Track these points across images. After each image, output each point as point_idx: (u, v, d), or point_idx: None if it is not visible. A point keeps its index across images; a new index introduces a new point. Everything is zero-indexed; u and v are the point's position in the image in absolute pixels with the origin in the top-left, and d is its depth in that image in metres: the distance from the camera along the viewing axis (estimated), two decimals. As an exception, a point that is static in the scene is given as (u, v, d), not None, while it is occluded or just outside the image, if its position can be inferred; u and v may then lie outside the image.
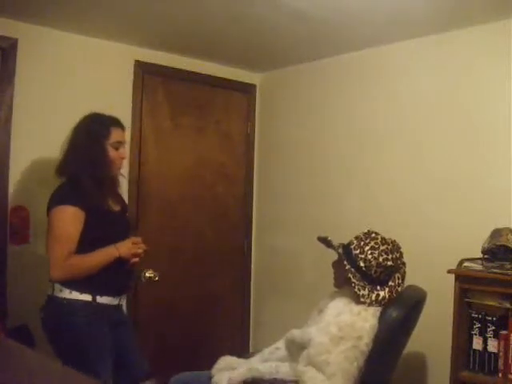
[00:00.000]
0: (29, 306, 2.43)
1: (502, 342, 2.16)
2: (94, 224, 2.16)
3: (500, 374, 2.16)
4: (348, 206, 3.12)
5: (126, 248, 2.20)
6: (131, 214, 3.00)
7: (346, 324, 2.03)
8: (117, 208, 2.34)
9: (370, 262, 2.12)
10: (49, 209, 2.17)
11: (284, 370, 2.17)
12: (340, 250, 2.21)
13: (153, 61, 3.20)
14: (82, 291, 2.13)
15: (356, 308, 2.09)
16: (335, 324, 2.04)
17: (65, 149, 2.25)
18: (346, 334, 2.01)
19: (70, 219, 2.12)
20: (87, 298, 2.14)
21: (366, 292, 2.11)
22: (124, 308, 2.40)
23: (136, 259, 2.26)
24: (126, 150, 2.36)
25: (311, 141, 3.36)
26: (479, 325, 2.24)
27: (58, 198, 2.16)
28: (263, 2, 2.41)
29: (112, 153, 2.26)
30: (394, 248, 2.18)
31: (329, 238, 2.26)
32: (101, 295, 2.16)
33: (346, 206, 3.14)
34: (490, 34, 2.53)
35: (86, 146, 2.21)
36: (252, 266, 3.69)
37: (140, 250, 2.25)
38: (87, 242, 2.14)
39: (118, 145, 2.29)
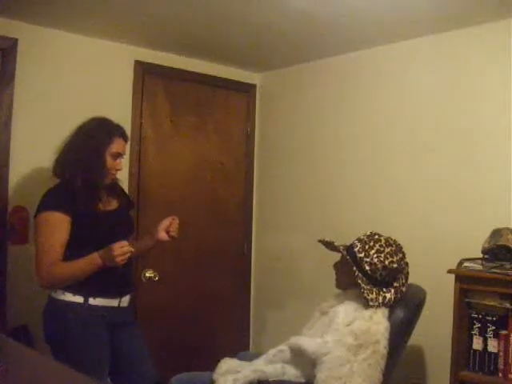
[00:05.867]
0: (29, 306, 2.44)
1: (502, 342, 2.16)
2: (82, 227, 2.13)
3: (500, 374, 2.16)
4: (348, 206, 3.12)
5: (110, 257, 2.02)
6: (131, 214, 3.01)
7: (361, 331, 2.02)
8: (111, 207, 2.31)
9: (376, 265, 2.12)
10: (36, 213, 2.15)
11: (291, 371, 2.15)
12: (347, 255, 2.19)
13: (153, 61, 3.20)
14: (74, 293, 2.12)
15: (367, 313, 2.08)
16: (349, 333, 2.02)
17: (63, 147, 2.22)
18: (364, 341, 2.00)
19: (55, 226, 2.09)
20: (79, 299, 2.12)
21: (373, 296, 2.10)
22: (129, 310, 2.35)
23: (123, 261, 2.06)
24: (122, 162, 2.29)
25: (311, 141, 3.36)
26: (479, 325, 2.24)
27: (45, 203, 2.14)
28: (263, 2, 2.41)
29: (109, 162, 2.22)
30: (398, 249, 2.18)
31: (336, 243, 2.25)
32: (94, 297, 2.14)
33: (345, 205, 3.14)
34: (490, 33, 2.53)
35: (85, 150, 2.18)
36: (252, 266, 3.69)
37: (125, 256, 2.04)
38: (77, 245, 2.11)
39: (117, 155, 2.24)
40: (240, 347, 3.43)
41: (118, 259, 2.01)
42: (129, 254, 2.05)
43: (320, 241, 2.31)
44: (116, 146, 2.23)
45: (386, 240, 2.18)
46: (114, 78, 3.07)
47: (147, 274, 3.11)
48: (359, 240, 2.21)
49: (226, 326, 3.56)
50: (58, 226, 2.10)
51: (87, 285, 2.12)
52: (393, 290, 2.15)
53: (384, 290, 2.14)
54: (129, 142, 3.02)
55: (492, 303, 2.22)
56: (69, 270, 2.09)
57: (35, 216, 2.16)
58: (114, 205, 2.34)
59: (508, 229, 2.22)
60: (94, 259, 2.06)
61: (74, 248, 2.11)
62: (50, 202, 2.13)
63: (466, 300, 2.29)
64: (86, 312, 2.13)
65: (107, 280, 2.16)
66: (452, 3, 2.33)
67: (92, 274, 2.08)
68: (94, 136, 2.20)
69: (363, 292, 2.10)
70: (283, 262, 3.48)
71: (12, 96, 2.67)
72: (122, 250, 2.01)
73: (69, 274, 2.09)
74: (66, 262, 2.10)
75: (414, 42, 2.83)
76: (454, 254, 2.35)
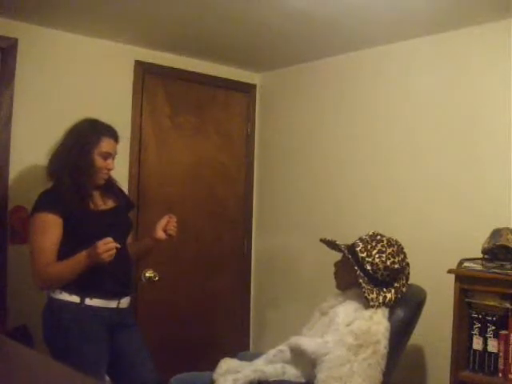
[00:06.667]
0: (29, 306, 2.44)
1: (502, 342, 2.16)
2: (74, 227, 2.14)
3: (500, 374, 2.16)
4: (348, 206, 3.12)
5: (95, 254, 2.01)
6: (131, 214, 3.01)
7: (361, 331, 2.02)
8: (106, 207, 2.31)
9: (378, 265, 2.12)
10: (30, 215, 2.17)
11: (291, 371, 2.15)
12: (348, 255, 2.19)
13: (153, 61, 3.20)
14: (70, 292, 2.13)
15: (367, 313, 2.08)
16: (349, 333, 2.03)
17: (55, 149, 2.24)
18: (364, 341, 2.00)
19: (49, 227, 2.11)
20: (75, 299, 2.13)
21: (374, 295, 2.11)
22: (129, 311, 2.35)
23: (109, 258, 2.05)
24: (113, 162, 2.28)
25: (311, 141, 3.36)
26: (479, 325, 2.24)
27: (38, 205, 2.16)
28: (263, 1, 2.41)
29: (99, 162, 2.22)
30: (399, 250, 2.19)
31: (337, 242, 2.25)
32: (90, 298, 2.15)
33: (345, 205, 3.14)
34: (490, 33, 2.53)
35: (73, 151, 2.19)
36: (252, 266, 3.69)
37: (110, 252, 2.02)
38: (72, 245, 2.11)
39: (107, 155, 2.24)
40: (240, 347, 3.43)
41: (104, 256, 2.00)
42: (114, 251, 2.03)
43: (322, 240, 2.32)
44: (105, 145, 2.23)
45: (388, 240, 2.19)
46: (114, 77, 3.07)
47: (147, 274, 3.11)
48: (361, 240, 2.21)
49: (226, 326, 3.56)
50: (51, 228, 2.11)
51: (83, 285, 2.12)
52: (393, 290, 2.15)
53: (384, 290, 2.14)
54: (129, 143, 3.08)
55: (492, 303, 2.22)
56: (61, 270, 2.10)
57: (30, 216, 2.18)
58: (109, 204, 2.34)
59: (508, 229, 2.22)
60: (81, 257, 2.06)
61: (69, 248, 2.11)
62: (42, 203, 2.15)
63: (466, 300, 2.29)
64: (83, 312, 2.14)
65: (105, 281, 2.17)
66: (452, 3, 2.33)
67: (86, 273, 2.08)
68: (83, 136, 2.22)
69: (364, 292, 2.10)
70: (283, 262, 3.48)
71: (12, 96, 2.67)
72: (106, 246, 2.01)
73: (61, 274, 2.10)
74: (59, 261, 2.11)
75: (413, 42, 2.83)
76: (454, 253, 2.35)
